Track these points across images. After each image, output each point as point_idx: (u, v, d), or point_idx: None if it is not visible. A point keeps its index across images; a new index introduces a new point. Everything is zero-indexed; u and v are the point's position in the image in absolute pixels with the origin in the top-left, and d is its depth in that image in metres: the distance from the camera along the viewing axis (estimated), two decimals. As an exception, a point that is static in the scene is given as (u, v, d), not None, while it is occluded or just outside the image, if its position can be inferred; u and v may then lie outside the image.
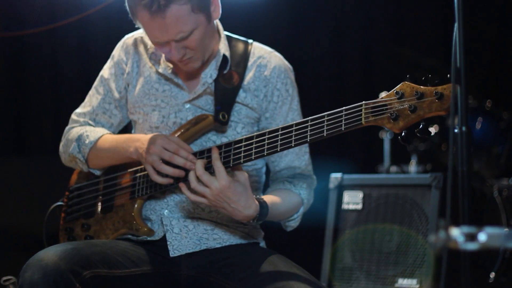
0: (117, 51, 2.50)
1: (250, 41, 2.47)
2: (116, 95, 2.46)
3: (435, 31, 5.20)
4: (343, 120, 1.99)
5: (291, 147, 2.08)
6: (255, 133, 2.14)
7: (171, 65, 2.38)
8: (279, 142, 2.09)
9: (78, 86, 4.61)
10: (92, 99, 2.51)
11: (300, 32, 5.20)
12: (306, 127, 2.05)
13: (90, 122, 2.49)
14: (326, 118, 2.01)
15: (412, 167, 4.60)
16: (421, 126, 1.93)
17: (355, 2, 5.26)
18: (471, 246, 1.39)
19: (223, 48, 2.38)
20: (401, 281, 3.17)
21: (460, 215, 1.89)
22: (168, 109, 2.37)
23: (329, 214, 3.42)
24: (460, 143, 1.94)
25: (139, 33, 2.49)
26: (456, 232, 1.40)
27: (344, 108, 2.00)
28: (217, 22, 2.41)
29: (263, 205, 2.18)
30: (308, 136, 2.04)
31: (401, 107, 1.93)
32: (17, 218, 4.02)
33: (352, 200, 3.40)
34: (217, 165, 2.11)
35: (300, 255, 2.58)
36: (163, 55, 2.39)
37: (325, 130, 2.01)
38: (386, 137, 4.78)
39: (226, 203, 2.12)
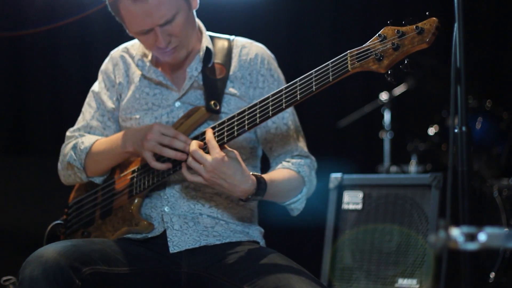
0: (105, 65, 2.55)
1: (232, 37, 2.52)
2: (110, 105, 2.49)
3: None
4: (330, 72, 2.02)
5: (283, 109, 2.10)
6: (247, 106, 2.17)
7: (157, 68, 2.43)
8: (270, 108, 2.11)
9: (78, 86, 4.62)
10: (85, 114, 2.54)
11: (299, 32, 5.20)
12: (295, 87, 2.08)
13: (85, 135, 2.50)
14: (314, 75, 2.05)
15: (412, 167, 4.60)
16: (405, 62, 1.96)
17: (354, 1, 5.26)
18: (471, 246, 1.39)
19: (206, 42, 2.43)
20: (401, 281, 3.17)
21: (460, 215, 1.90)
22: (160, 111, 2.40)
23: (329, 214, 3.42)
24: (460, 143, 1.95)
25: (125, 44, 2.56)
26: (456, 232, 1.40)
27: (330, 61, 2.04)
28: (198, 21, 2.47)
29: (260, 180, 2.19)
30: (298, 94, 2.06)
31: (385, 47, 1.96)
32: (18, 218, 4.03)
33: (352, 200, 3.40)
34: (210, 143, 2.14)
35: (300, 255, 2.58)
36: (149, 60, 2.44)
37: (313, 85, 2.04)
38: (386, 137, 4.79)
39: (222, 180, 2.13)
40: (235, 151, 2.16)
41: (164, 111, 2.39)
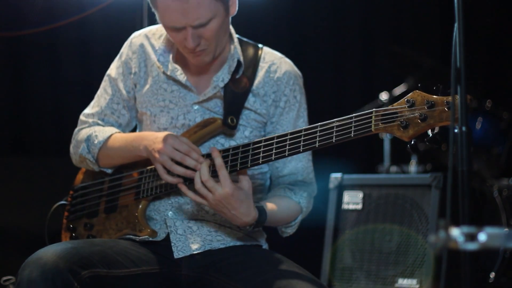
0: (125, 50, 2.49)
1: (260, 45, 2.47)
2: (125, 94, 2.46)
3: (435, 31, 5.20)
4: (352, 127, 2.00)
5: (299, 152, 2.09)
6: (263, 138, 2.15)
7: (179, 67, 2.38)
8: (287, 147, 2.09)
9: (78, 86, 4.61)
10: (100, 99, 2.50)
11: (299, 32, 5.20)
12: (315, 132, 2.06)
13: (99, 122, 2.48)
14: (335, 124, 2.03)
15: (412, 167, 4.60)
16: (430, 135, 1.94)
17: (355, 2, 5.26)
18: (471, 246, 1.39)
19: (237, 53, 2.38)
20: (401, 281, 3.17)
21: (460, 215, 1.89)
22: (176, 110, 2.37)
23: (329, 214, 3.42)
24: (460, 143, 1.94)
25: (146, 31, 2.49)
26: (456, 232, 1.40)
27: (354, 115, 2.01)
28: (230, 26, 2.40)
29: (262, 212, 2.20)
30: (317, 142, 2.05)
31: (412, 115, 1.93)
32: (18, 218, 4.02)
33: (352, 200, 3.40)
34: (222, 173, 2.12)
35: (300, 255, 2.58)
36: (171, 58, 2.39)
37: (334, 137, 2.03)
38: (386, 137, 4.78)
39: (227, 209, 2.13)
40: (249, 183, 2.16)
41: (181, 112, 2.36)
